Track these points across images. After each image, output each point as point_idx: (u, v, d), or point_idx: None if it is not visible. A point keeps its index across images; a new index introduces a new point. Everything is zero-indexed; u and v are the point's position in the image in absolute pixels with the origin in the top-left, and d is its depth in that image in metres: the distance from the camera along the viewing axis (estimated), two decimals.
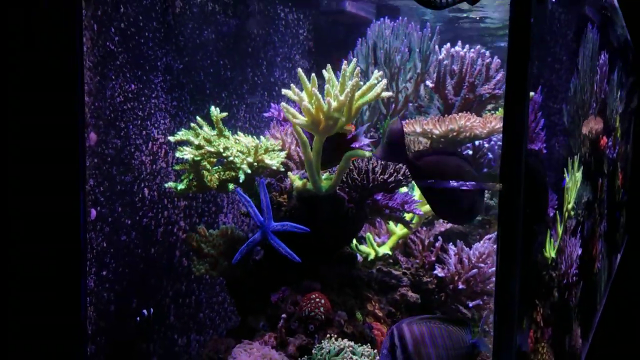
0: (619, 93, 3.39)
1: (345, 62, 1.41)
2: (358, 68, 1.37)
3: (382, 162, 1.51)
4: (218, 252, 1.63)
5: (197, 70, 1.93)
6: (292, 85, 1.42)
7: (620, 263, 4.47)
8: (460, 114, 2.17)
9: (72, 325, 1.56)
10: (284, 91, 1.45)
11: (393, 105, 2.40)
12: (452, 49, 2.38)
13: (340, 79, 1.39)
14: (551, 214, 1.67)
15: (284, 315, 1.48)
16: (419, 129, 2.20)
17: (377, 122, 2.44)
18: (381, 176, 1.50)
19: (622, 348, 3.12)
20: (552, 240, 1.63)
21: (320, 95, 1.37)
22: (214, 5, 1.96)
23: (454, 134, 2.18)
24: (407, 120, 2.24)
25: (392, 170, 1.49)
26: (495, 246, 1.84)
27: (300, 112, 1.42)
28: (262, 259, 1.72)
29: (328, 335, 1.48)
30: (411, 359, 1.17)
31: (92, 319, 1.60)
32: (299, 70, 1.43)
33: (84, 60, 1.57)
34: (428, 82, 2.40)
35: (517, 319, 1.06)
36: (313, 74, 1.43)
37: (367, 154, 1.42)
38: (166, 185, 1.68)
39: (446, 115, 2.26)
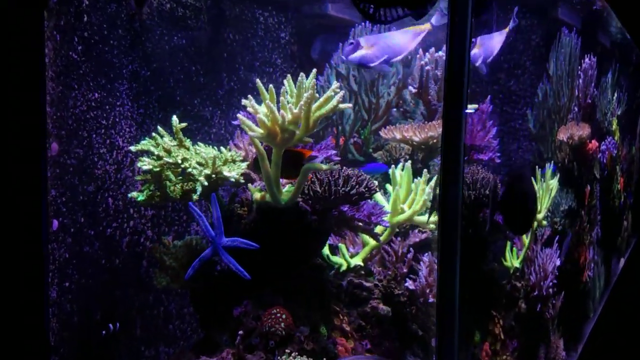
0: (616, 95, 3.30)
1: (302, 74, 1.36)
2: (314, 81, 1.33)
3: (345, 174, 1.47)
4: (179, 265, 1.60)
5: (166, 76, 1.91)
6: (249, 96, 1.39)
7: (625, 266, 4.37)
8: (439, 121, 2.12)
9: (34, 336, 1.55)
10: (243, 101, 1.42)
11: (375, 112, 2.35)
12: (436, 54, 2.33)
13: (296, 91, 1.35)
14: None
15: (240, 332, 1.45)
16: (398, 136, 2.16)
17: (360, 128, 2.40)
18: (343, 188, 1.46)
19: (621, 355, 3.04)
20: (514, 249, 1.58)
21: (274, 108, 1.33)
22: (184, 10, 1.93)
23: (434, 141, 2.13)
24: (387, 127, 2.20)
25: (354, 182, 1.45)
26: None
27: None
28: (225, 271, 1.69)
29: (288, 351, 1.44)
30: None
31: (55, 329, 1.58)
32: (257, 81, 1.40)
33: (47, 71, 1.55)
34: (411, 88, 2.35)
35: (457, 331, 1.02)
36: (271, 85, 1.39)
37: (325, 166, 1.38)
38: (129, 195, 1.66)
39: (426, 122, 2.22)
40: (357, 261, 1.85)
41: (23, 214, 1.53)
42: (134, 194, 1.64)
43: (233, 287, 1.62)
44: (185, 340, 2.02)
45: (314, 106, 1.34)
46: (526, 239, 1.63)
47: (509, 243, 1.52)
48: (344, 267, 1.85)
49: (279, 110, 1.34)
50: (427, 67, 2.30)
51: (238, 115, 1.38)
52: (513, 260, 1.59)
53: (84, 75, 1.62)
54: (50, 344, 1.58)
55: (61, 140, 1.57)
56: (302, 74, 1.37)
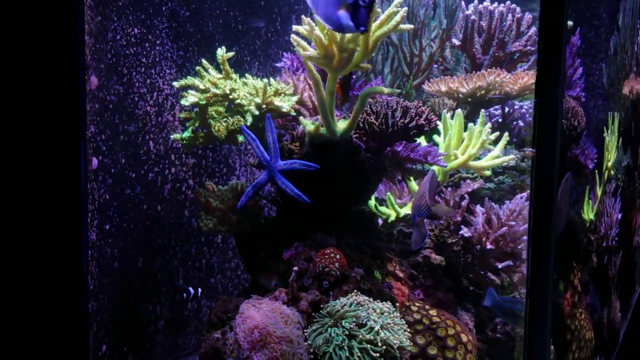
0: None
1: None
2: None
3: (403, 104, 1.38)
4: (226, 207, 1.52)
5: (205, 19, 1.83)
6: (303, 16, 1.30)
7: None
8: (489, 70, 2.02)
9: (72, 278, 1.47)
10: (294, 27, 1.33)
11: (417, 66, 2.25)
12: (480, 5, 2.23)
13: None
14: (590, 167, 1.52)
15: (295, 269, 1.36)
16: (444, 88, 2.06)
17: (400, 83, 2.31)
18: (402, 120, 1.36)
19: None
20: (590, 201, 1.49)
21: None
22: None
23: (482, 92, 2.03)
24: (431, 80, 2.10)
25: (413, 114, 1.36)
26: (527, 203, 1.69)
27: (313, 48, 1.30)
28: (273, 214, 1.61)
29: (345, 289, 1.36)
30: None
31: (95, 275, 1.51)
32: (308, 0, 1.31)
33: None
34: (454, 40, 2.25)
35: (552, 278, 0.93)
36: None
37: (386, 90, 1.28)
38: (172, 137, 1.58)
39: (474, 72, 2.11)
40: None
41: (60, 147, 1.45)
42: (177, 135, 1.57)
43: (282, 230, 1.54)
44: (227, 295, 1.94)
45: (375, 24, 1.25)
46: (599, 191, 1.53)
47: (587, 193, 1.42)
48: (393, 218, 1.76)
49: None
50: (472, 18, 2.20)
51: (292, 36, 1.29)
52: (589, 213, 1.49)
53: (123, 8, 1.55)
54: (89, 287, 1.50)
55: (100, 74, 1.49)
56: None
